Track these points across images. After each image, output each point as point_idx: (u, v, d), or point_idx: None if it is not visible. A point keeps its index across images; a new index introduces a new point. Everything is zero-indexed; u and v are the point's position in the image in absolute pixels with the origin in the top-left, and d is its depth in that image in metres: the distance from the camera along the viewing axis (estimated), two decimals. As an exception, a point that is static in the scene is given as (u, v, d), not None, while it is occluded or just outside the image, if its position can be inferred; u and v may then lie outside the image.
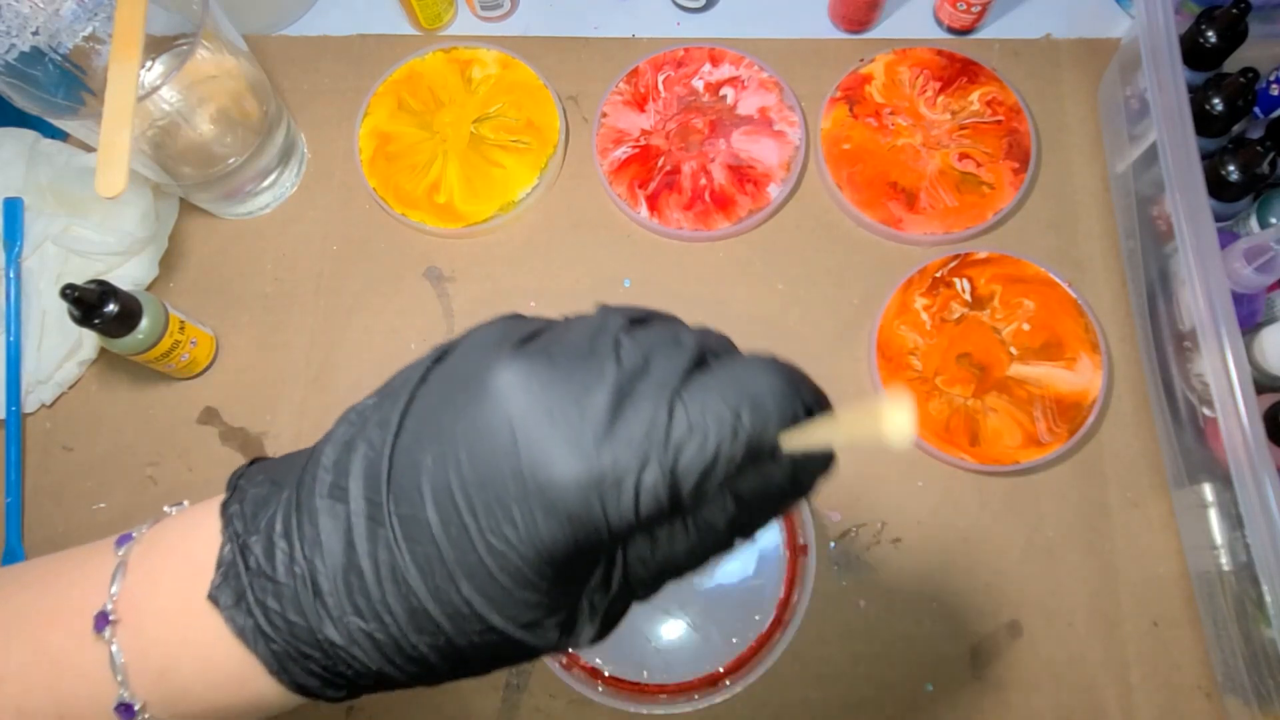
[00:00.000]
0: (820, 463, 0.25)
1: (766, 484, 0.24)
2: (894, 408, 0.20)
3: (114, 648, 0.25)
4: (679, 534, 0.24)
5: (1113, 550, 0.54)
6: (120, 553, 0.27)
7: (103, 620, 0.25)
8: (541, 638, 0.24)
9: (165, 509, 0.29)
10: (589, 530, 0.22)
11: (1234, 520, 0.49)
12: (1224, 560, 0.50)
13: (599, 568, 0.24)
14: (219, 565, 0.25)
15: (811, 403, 0.24)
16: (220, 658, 0.25)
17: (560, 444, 0.21)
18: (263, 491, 0.26)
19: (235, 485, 0.27)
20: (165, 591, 0.26)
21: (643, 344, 0.23)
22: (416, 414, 0.24)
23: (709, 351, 0.24)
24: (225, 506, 0.26)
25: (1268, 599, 0.43)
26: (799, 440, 0.23)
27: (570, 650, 0.25)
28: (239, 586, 0.24)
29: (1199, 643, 0.52)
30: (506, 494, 0.22)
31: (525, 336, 0.24)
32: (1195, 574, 0.53)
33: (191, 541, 0.26)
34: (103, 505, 0.58)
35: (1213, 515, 0.51)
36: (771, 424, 0.22)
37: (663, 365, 0.23)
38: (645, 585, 0.25)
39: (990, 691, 0.52)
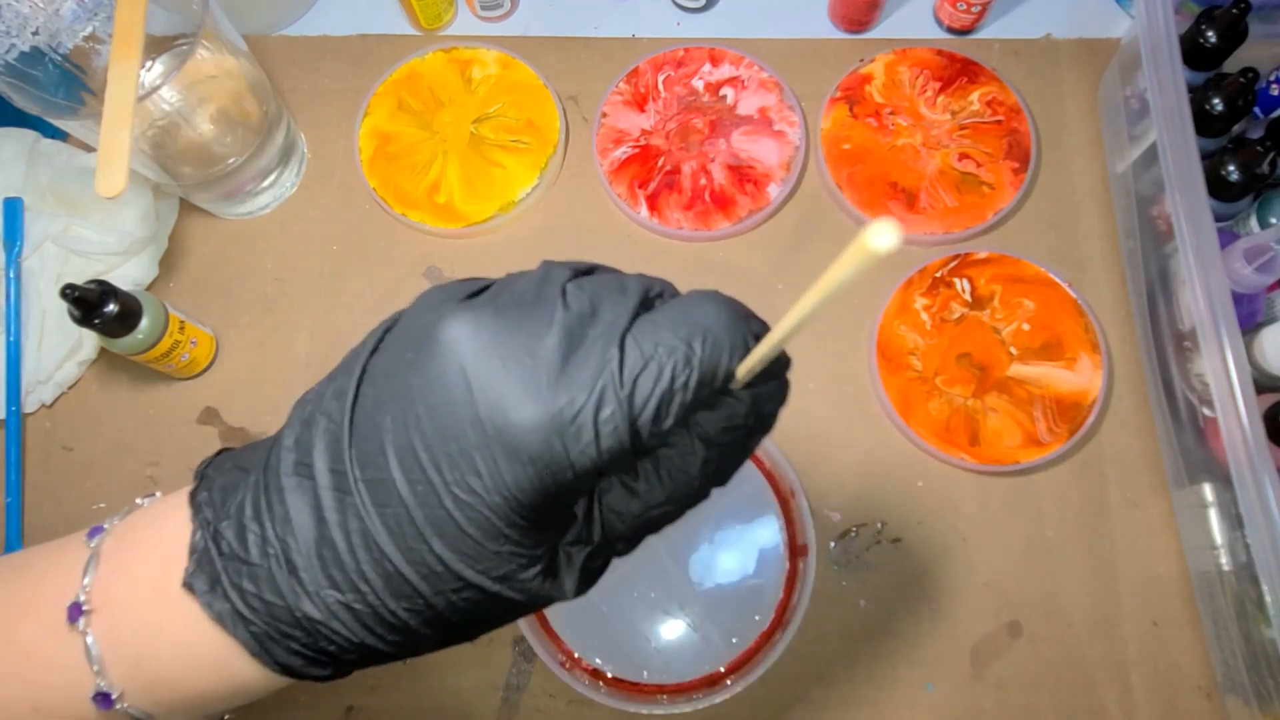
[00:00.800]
0: (778, 390, 0.25)
1: (730, 419, 0.24)
2: (870, 230, 0.19)
3: (89, 638, 0.25)
4: (652, 481, 0.24)
5: (1113, 550, 0.54)
6: (92, 544, 0.27)
7: (76, 611, 0.25)
8: (520, 589, 0.24)
9: (137, 500, 0.29)
10: (554, 472, 0.22)
11: (1234, 520, 0.49)
12: (1224, 560, 0.50)
13: (576, 523, 0.25)
14: (192, 552, 0.25)
15: (760, 330, 0.24)
16: (198, 643, 0.25)
17: (515, 388, 0.22)
18: (230, 478, 0.26)
19: (203, 475, 0.27)
20: (138, 580, 0.26)
21: (588, 290, 0.23)
22: (372, 379, 0.24)
23: (654, 295, 0.24)
24: (194, 495, 0.26)
25: (1268, 599, 0.43)
26: (757, 355, 0.23)
27: (554, 601, 0.25)
28: (213, 572, 0.24)
29: (1199, 643, 0.52)
30: (468, 444, 0.22)
31: (472, 293, 0.24)
32: (1195, 574, 0.53)
33: (162, 531, 0.26)
34: (103, 505, 0.58)
35: (1213, 515, 0.51)
36: (724, 350, 0.23)
37: (610, 308, 0.23)
38: (624, 539, 0.25)
39: (990, 691, 0.52)
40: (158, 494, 0.29)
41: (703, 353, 0.22)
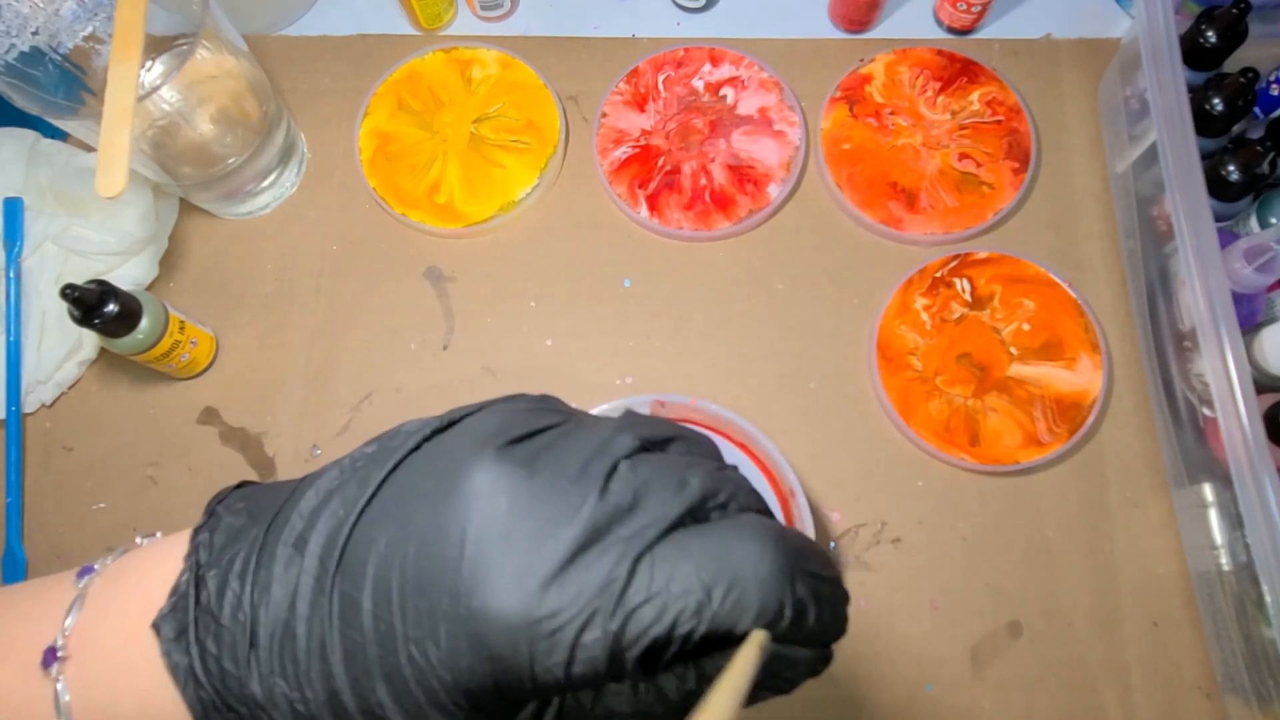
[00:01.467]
0: (810, 662, 0.22)
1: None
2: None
3: (59, 685, 0.24)
4: (625, 692, 0.22)
5: (1113, 550, 0.54)
6: (80, 585, 0.26)
7: (51, 656, 0.24)
8: None
9: (136, 539, 0.28)
10: (510, 677, 0.20)
11: (1234, 520, 0.49)
12: (1224, 560, 0.50)
13: (529, 707, 0.23)
14: (172, 593, 0.24)
15: (807, 595, 0.21)
16: (158, 699, 0.23)
17: (505, 573, 0.20)
18: (238, 522, 0.24)
19: (213, 511, 0.25)
20: (116, 624, 0.25)
21: (640, 478, 0.21)
22: (392, 486, 0.22)
23: (714, 503, 0.22)
24: (197, 532, 0.25)
25: (1268, 599, 0.43)
26: (773, 645, 0.20)
27: None
28: (183, 620, 0.23)
29: (1199, 643, 0.52)
30: (438, 609, 0.20)
31: (523, 435, 0.22)
32: (1195, 574, 0.53)
33: (152, 572, 0.25)
34: (103, 505, 0.58)
35: (1213, 515, 0.51)
36: (747, 613, 0.20)
37: (653, 507, 0.20)
38: None
39: (990, 691, 0.52)
40: (158, 534, 0.28)
41: (720, 607, 0.20)
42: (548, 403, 0.25)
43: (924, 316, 0.58)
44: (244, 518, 0.24)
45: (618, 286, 0.61)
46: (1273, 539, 0.41)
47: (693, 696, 0.22)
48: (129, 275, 0.60)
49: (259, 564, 0.23)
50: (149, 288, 0.62)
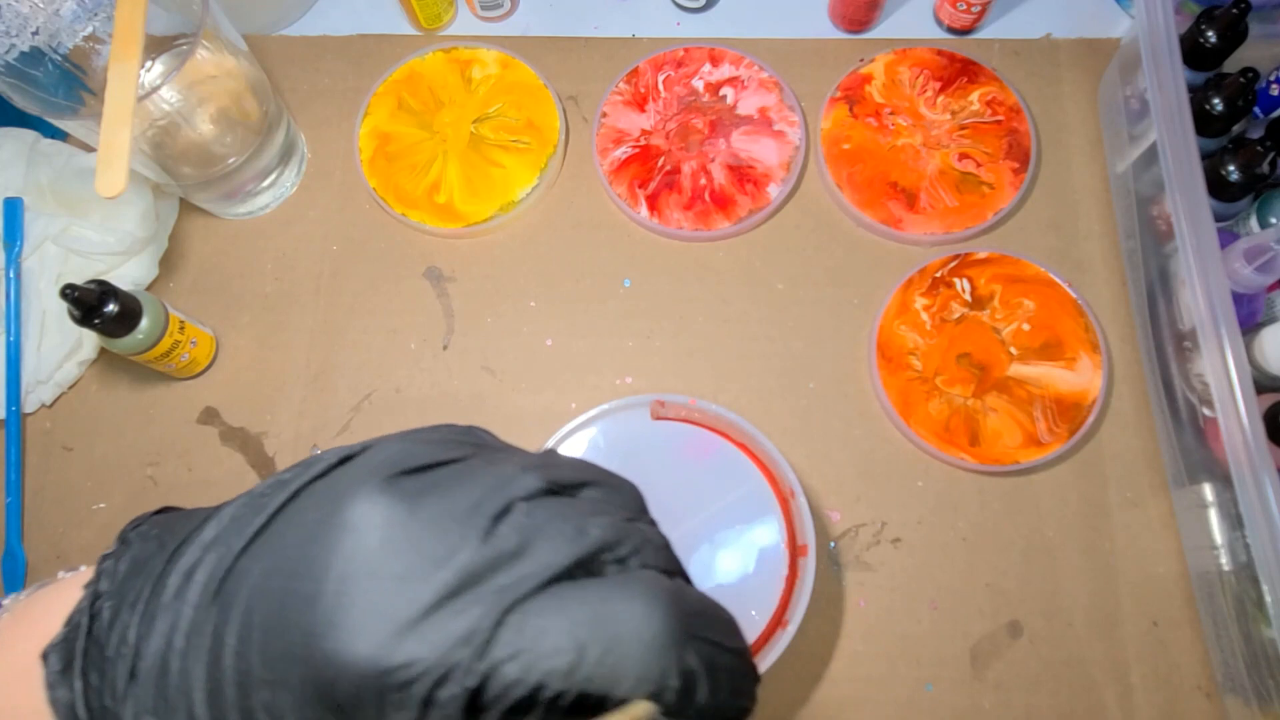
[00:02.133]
0: None
1: None
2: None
3: None
4: None
5: (1113, 550, 0.54)
6: None
7: None
8: None
9: (59, 573, 0.26)
10: None
11: (1234, 520, 0.49)
12: (1224, 560, 0.50)
13: None
14: (68, 621, 0.22)
15: (698, 666, 0.19)
16: None
17: (361, 616, 0.18)
18: (148, 550, 0.23)
19: (124, 537, 0.24)
20: (10, 659, 0.23)
21: (534, 523, 0.19)
22: (284, 516, 0.21)
23: (612, 555, 0.20)
24: (104, 558, 0.23)
25: (1268, 599, 0.43)
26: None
27: None
28: (72, 651, 0.22)
29: (1199, 643, 0.52)
30: (293, 650, 0.18)
31: (419, 467, 0.20)
32: (1195, 574, 0.53)
33: (55, 607, 0.23)
34: (103, 505, 0.58)
35: (1213, 515, 0.51)
36: (624, 679, 0.18)
37: (535, 559, 0.19)
38: None
39: (990, 691, 0.52)
40: (82, 568, 0.26)
41: (594, 669, 0.18)
42: (470, 435, 0.23)
43: (924, 316, 0.58)
44: (154, 545, 0.23)
45: (618, 286, 0.61)
46: (1273, 539, 0.41)
47: None
48: (129, 275, 0.60)
49: (151, 595, 0.21)
50: (149, 288, 0.62)
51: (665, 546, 0.21)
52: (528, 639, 0.18)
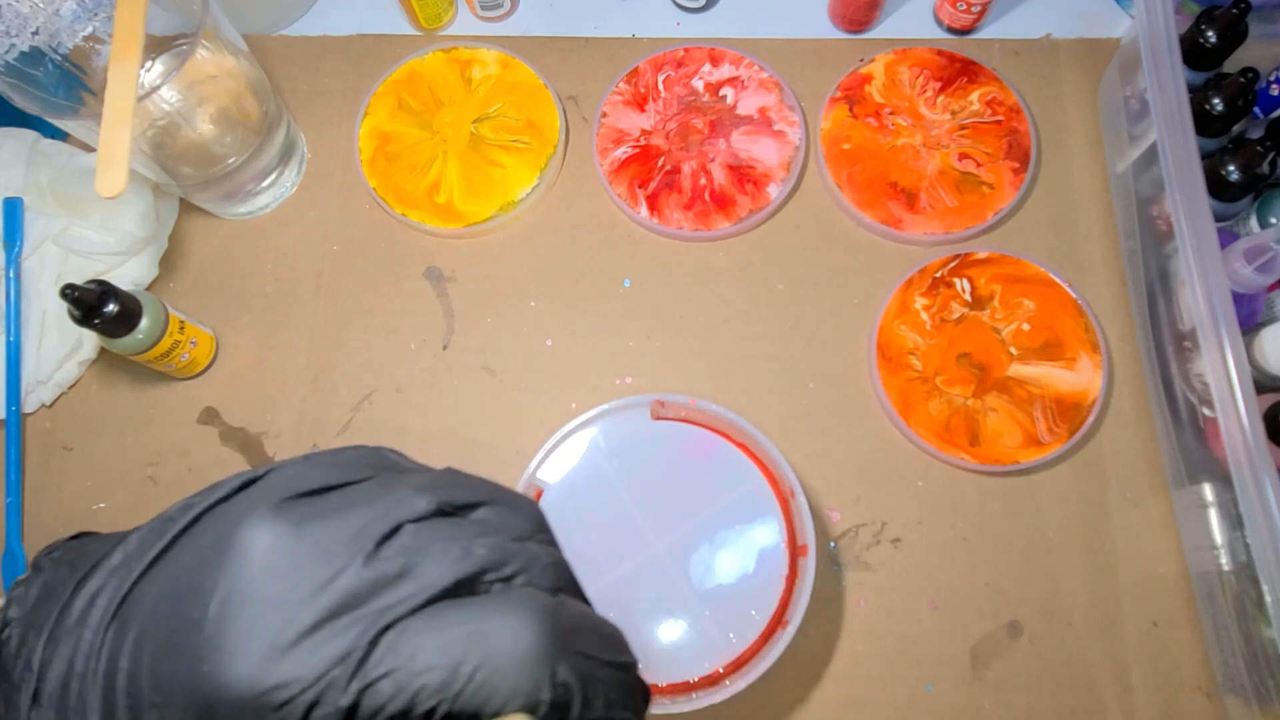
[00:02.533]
0: None
1: None
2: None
3: None
4: None
5: (1113, 550, 0.54)
6: None
7: None
8: None
9: None
10: None
11: (1234, 520, 0.49)
12: (1224, 560, 0.50)
13: None
14: None
15: (573, 680, 0.19)
16: None
17: (241, 639, 0.18)
18: (60, 575, 0.23)
19: (37, 563, 0.24)
20: None
21: (419, 544, 0.20)
22: (183, 540, 0.21)
23: (497, 575, 0.20)
24: (15, 585, 0.23)
25: (1268, 599, 0.43)
26: None
27: None
28: None
29: (1199, 643, 0.52)
30: (178, 674, 0.19)
31: (312, 490, 0.21)
32: (1195, 574, 0.53)
33: None
34: (103, 505, 0.58)
35: (1213, 515, 0.51)
36: (496, 695, 0.19)
37: (418, 580, 0.19)
38: None
39: (990, 691, 0.52)
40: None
41: (467, 685, 0.18)
42: (377, 456, 0.23)
43: (924, 316, 0.58)
44: (65, 571, 0.23)
45: (618, 286, 0.61)
46: (1273, 539, 0.41)
47: None
48: (129, 275, 0.60)
49: (58, 620, 0.21)
50: (149, 288, 0.62)
51: (556, 564, 0.22)
52: (402, 657, 0.18)
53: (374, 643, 0.18)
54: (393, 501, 0.20)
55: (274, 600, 0.19)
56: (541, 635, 0.19)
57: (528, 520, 0.22)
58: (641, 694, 0.22)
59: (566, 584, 0.22)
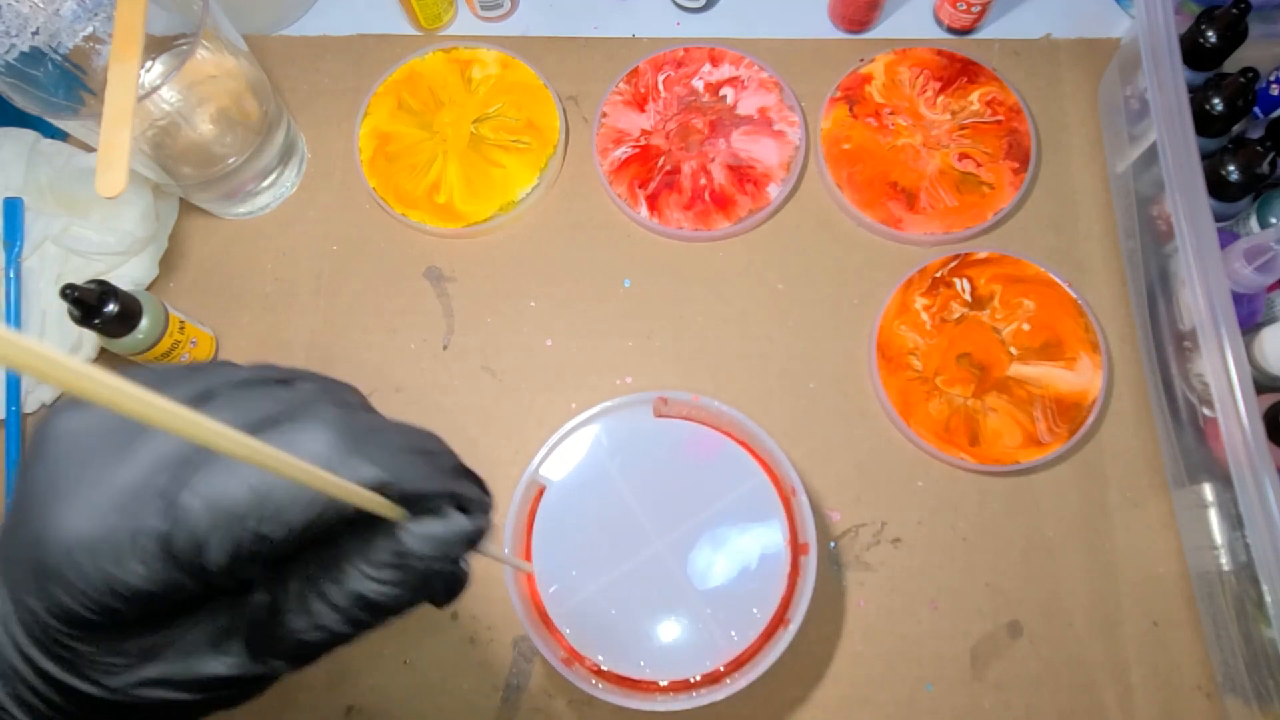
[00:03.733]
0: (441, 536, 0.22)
1: (394, 554, 0.21)
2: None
3: None
4: (293, 610, 0.22)
5: (1113, 550, 0.54)
6: None
7: None
8: (118, 680, 0.22)
9: None
10: (89, 595, 0.20)
11: (1234, 520, 0.49)
12: (1224, 560, 0.50)
13: (202, 615, 0.22)
14: None
15: (379, 472, 0.21)
16: None
17: (60, 499, 0.20)
18: None
19: None
20: None
21: (229, 402, 0.21)
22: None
23: (299, 417, 0.21)
24: None
25: (1268, 599, 0.43)
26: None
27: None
28: None
29: (1199, 643, 0.52)
30: (20, 547, 0.20)
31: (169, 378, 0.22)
32: (1195, 574, 0.53)
33: None
34: (103, 505, 0.58)
35: (1213, 515, 0.51)
36: (302, 497, 0.20)
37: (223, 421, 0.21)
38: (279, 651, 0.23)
39: (990, 691, 0.52)
40: None
41: (279, 496, 0.20)
42: (261, 370, 0.24)
43: (924, 316, 0.58)
44: None
45: (618, 286, 0.61)
46: (1273, 539, 0.41)
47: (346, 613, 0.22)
48: (129, 275, 0.60)
49: None
50: (149, 288, 0.62)
51: (360, 403, 0.23)
52: (212, 486, 0.20)
53: (184, 483, 0.20)
54: (214, 373, 0.22)
55: (85, 463, 0.20)
56: (337, 435, 0.20)
57: (346, 390, 0.24)
58: (471, 479, 0.24)
59: (364, 407, 0.23)
